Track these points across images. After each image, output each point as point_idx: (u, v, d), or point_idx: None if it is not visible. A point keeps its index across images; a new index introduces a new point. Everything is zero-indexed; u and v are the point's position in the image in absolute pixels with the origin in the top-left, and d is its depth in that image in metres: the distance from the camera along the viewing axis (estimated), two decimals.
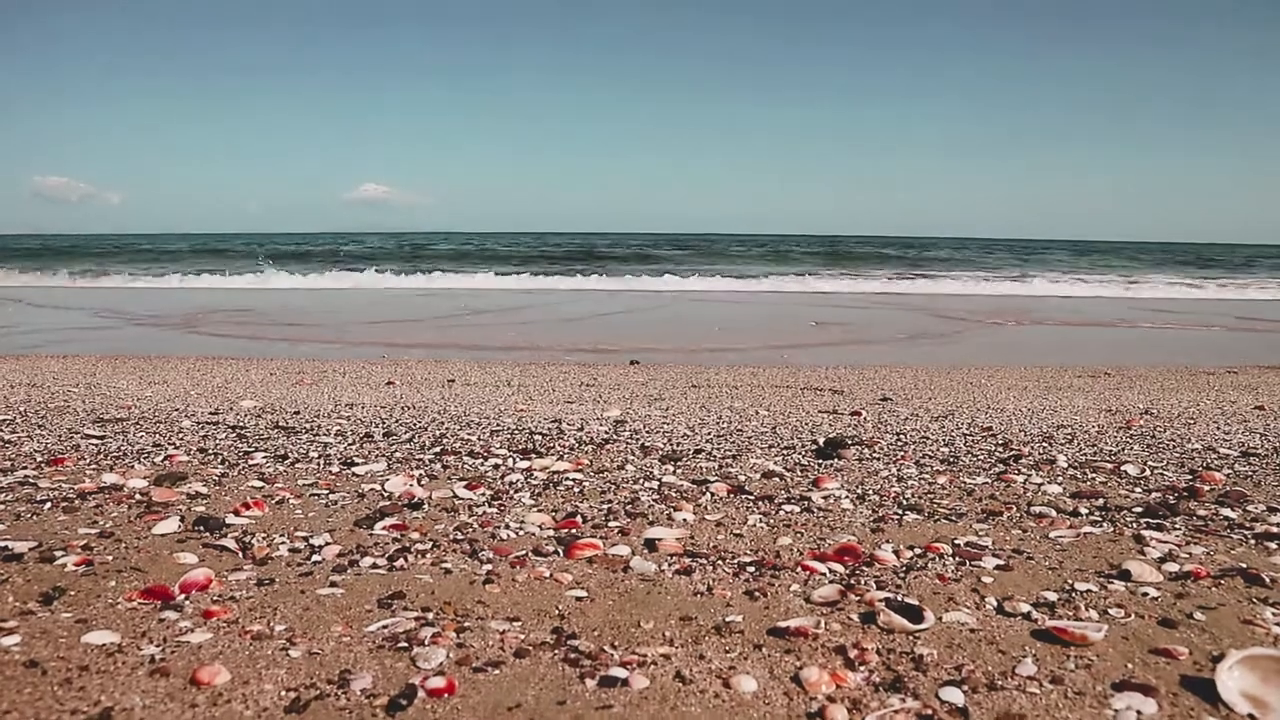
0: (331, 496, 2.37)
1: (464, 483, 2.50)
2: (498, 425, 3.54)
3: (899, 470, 2.76)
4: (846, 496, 2.42)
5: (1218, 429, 3.62)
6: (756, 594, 1.69)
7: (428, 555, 1.90)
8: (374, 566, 1.83)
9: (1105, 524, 2.18)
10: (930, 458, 2.97)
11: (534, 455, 2.91)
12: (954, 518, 2.23)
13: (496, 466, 2.75)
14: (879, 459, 2.94)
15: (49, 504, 2.24)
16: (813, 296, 15.03)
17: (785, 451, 3.07)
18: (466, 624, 1.54)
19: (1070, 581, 1.77)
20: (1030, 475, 2.69)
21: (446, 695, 1.29)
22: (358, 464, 2.76)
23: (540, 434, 3.33)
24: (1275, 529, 2.12)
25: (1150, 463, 2.91)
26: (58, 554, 1.84)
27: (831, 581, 1.76)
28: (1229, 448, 3.19)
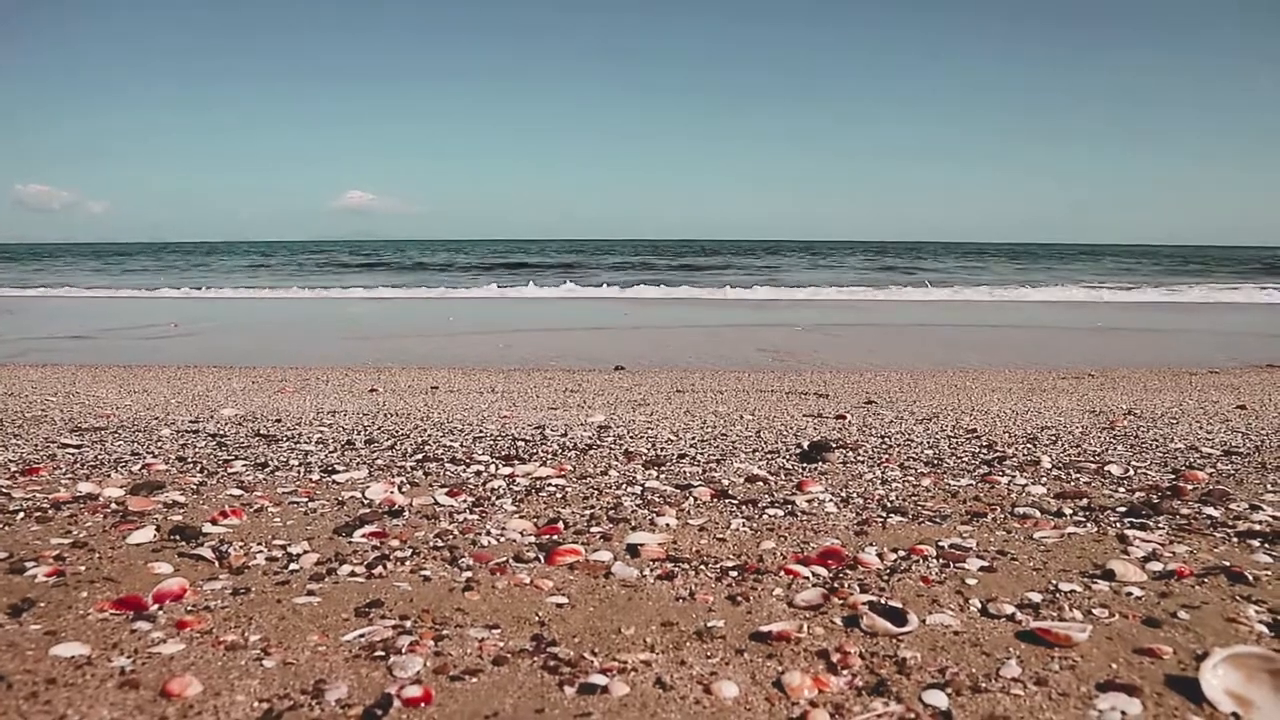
0: (311, 504, 2.34)
1: (445, 489, 2.48)
2: (481, 432, 3.51)
3: (883, 473, 2.76)
4: (830, 500, 2.41)
5: (1200, 428, 3.63)
6: (739, 599, 1.67)
7: (407, 563, 1.88)
8: (352, 574, 1.80)
9: (1089, 524, 2.18)
10: (914, 460, 2.97)
11: (517, 461, 2.88)
12: (938, 520, 2.22)
13: (479, 473, 2.72)
14: (863, 462, 2.93)
15: (21, 514, 2.20)
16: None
17: (769, 456, 3.06)
18: (445, 632, 1.52)
19: (1054, 582, 1.76)
20: (1014, 476, 2.68)
21: (423, 704, 1.27)
22: (338, 471, 2.73)
23: (523, 440, 3.31)
24: (1258, 526, 2.12)
25: (1134, 462, 2.91)
26: (28, 565, 1.81)
27: (815, 585, 1.75)
28: (1211, 447, 3.20)
